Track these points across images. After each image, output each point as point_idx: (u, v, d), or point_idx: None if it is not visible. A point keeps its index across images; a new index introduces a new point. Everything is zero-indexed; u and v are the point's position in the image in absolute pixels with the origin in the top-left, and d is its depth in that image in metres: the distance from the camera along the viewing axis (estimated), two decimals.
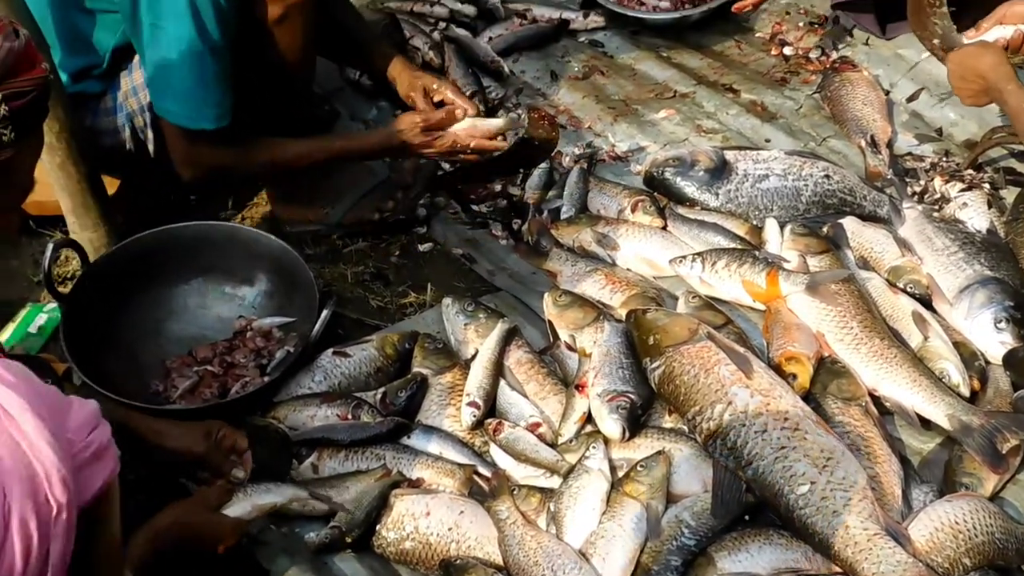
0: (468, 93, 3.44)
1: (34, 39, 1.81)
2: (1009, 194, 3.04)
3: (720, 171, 3.08)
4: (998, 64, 2.85)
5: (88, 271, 2.71)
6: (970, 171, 3.12)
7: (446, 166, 3.23)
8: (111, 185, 3.04)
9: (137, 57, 2.85)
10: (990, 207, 2.97)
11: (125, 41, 2.84)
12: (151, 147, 2.96)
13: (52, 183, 2.82)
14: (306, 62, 3.01)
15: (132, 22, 2.70)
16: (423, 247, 3.12)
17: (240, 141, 2.85)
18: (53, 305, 2.81)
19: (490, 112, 3.43)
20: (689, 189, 3.08)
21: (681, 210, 3.06)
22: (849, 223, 2.93)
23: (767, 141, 3.36)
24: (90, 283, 2.70)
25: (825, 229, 2.93)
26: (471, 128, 2.92)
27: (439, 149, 2.93)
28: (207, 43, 2.65)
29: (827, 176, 3.04)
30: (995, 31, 2.96)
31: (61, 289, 2.70)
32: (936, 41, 3.14)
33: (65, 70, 2.85)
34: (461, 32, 3.79)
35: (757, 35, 3.79)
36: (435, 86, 3.08)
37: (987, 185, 3.06)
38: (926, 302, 2.72)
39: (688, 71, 3.67)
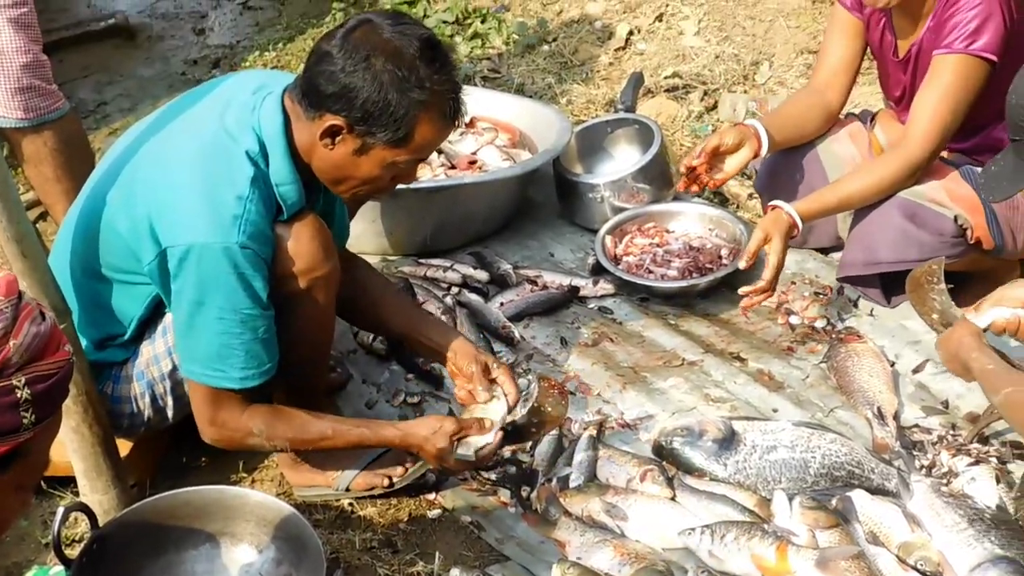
0: None
1: (58, 307, 1.84)
2: (1017, 468, 3.06)
3: (728, 441, 3.10)
4: (964, 336, 2.95)
5: (97, 535, 2.70)
6: (976, 445, 3.14)
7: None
8: (123, 447, 3.07)
9: (160, 325, 2.92)
10: (998, 482, 2.97)
11: (151, 313, 2.91)
12: (170, 413, 3.01)
13: (66, 445, 2.85)
14: (326, 332, 3.07)
15: (168, 294, 2.77)
16: (432, 513, 3.12)
17: (265, 411, 2.89)
18: (59, 568, 2.79)
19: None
20: (698, 459, 3.09)
21: (690, 480, 3.07)
22: (858, 496, 2.93)
23: (775, 411, 3.39)
24: (98, 547, 2.69)
25: (834, 502, 2.93)
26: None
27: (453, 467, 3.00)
28: (246, 311, 2.72)
29: (835, 448, 3.06)
30: (992, 312, 3.03)
31: (68, 552, 2.69)
32: (935, 316, 3.22)
33: (87, 338, 2.92)
34: (473, 297, 3.88)
35: (764, 304, 3.85)
36: (495, 365, 3.12)
37: (994, 459, 3.08)
38: None
39: (696, 339, 3.73)
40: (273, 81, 2.88)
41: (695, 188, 3.84)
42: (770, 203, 3.66)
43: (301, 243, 2.82)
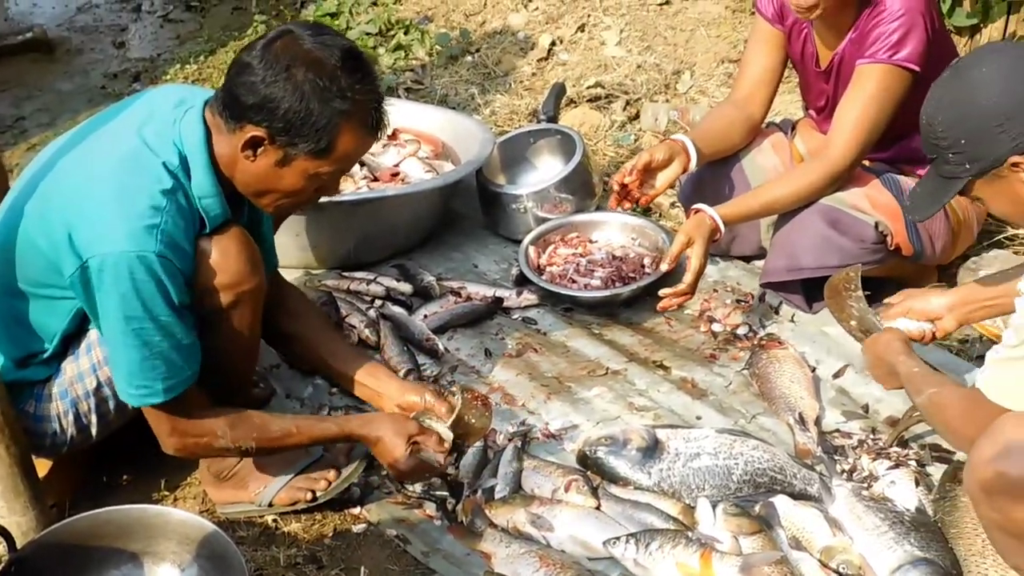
0: (403, 371, 3.51)
1: None
2: (936, 471, 3.10)
3: (652, 450, 3.12)
4: (890, 341, 2.99)
5: (15, 557, 2.65)
6: (896, 448, 3.17)
7: None
8: (42, 466, 3.02)
9: (84, 342, 2.88)
10: (917, 485, 3.02)
11: (75, 328, 2.87)
12: (94, 432, 2.97)
13: None
14: (252, 346, 3.05)
15: (92, 306, 2.74)
16: (357, 528, 3.10)
17: (225, 414, 2.89)
18: None
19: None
20: (622, 468, 3.11)
21: (614, 489, 3.09)
22: (780, 502, 2.96)
23: (698, 419, 3.40)
24: (17, 570, 2.63)
25: (757, 508, 2.96)
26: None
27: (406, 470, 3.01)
28: (164, 318, 2.69)
29: (757, 454, 3.08)
30: (899, 323, 3.12)
31: None
32: (854, 323, 3.26)
33: (7, 356, 2.88)
34: (397, 310, 3.87)
35: (686, 312, 3.88)
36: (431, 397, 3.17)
37: (914, 462, 3.12)
38: None
39: (620, 348, 3.74)
40: (194, 96, 2.86)
41: (627, 204, 3.84)
42: (693, 207, 3.68)
43: (226, 256, 2.80)
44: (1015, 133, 2.47)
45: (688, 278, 3.56)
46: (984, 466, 2.40)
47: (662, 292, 3.62)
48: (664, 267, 3.62)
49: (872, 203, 3.65)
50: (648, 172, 3.78)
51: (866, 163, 3.75)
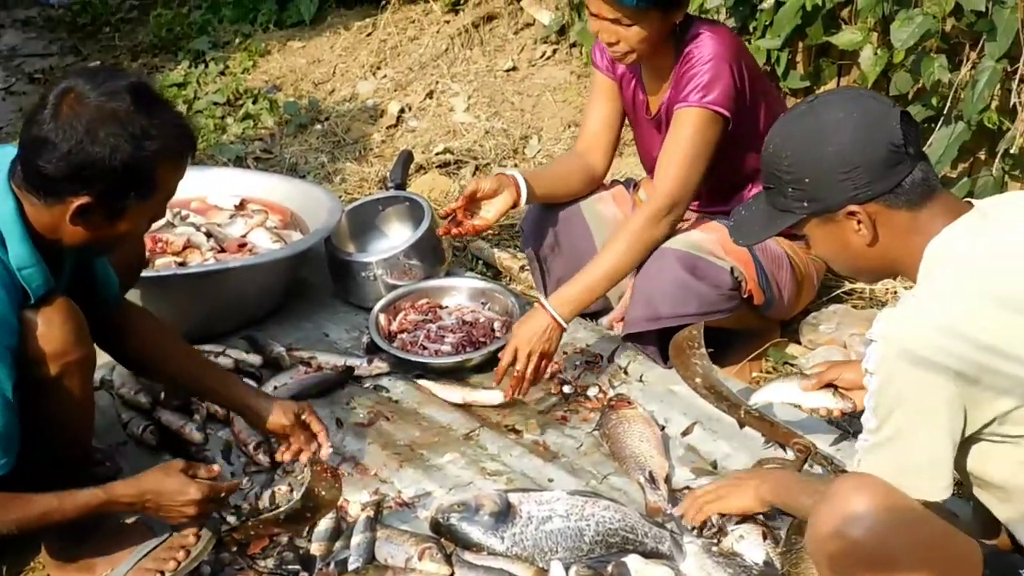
0: (252, 445, 3.46)
1: None
2: (783, 524, 3.14)
3: (505, 514, 3.11)
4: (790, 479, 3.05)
5: None
6: None
7: (231, 520, 3.20)
8: None
9: None
10: (765, 538, 3.05)
11: None
12: None
13: None
14: (84, 416, 2.99)
15: None
16: None
17: None
18: None
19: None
20: (475, 534, 3.09)
21: (468, 556, 3.07)
22: (632, 561, 2.97)
23: (550, 481, 3.41)
24: None
25: (610, 569, 2.96)
26: None
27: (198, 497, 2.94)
28: None
29: (609, 515, 3.10)
30: (824, 398, 3.16)
31: None
32: (699, 380, 3.32)
33: None
34: (246, 382, 3.81)
35: None
36: (300, 412, 3.28)
37: (761, 516, 3.16)
38: None
39: (471, 413, 3.74)
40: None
41: (456, 231, 3.86)
42: (538, 301, 3.74)
43: (52, 328, 2.75)
44: (858, 184, 2.47)
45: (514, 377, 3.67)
46: (828, 538, 2.42)
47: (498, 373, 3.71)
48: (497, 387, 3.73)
49: (725, 250, 3.73)
50: (475, 203, 3.84)
51: (709, 214, 3.84)
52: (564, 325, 3.66)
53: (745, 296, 3.79)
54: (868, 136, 2.49)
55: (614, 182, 4.20)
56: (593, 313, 4.17)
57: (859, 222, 2.51)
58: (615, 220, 4.02)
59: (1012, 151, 4.19)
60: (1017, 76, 4.17)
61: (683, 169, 3.65)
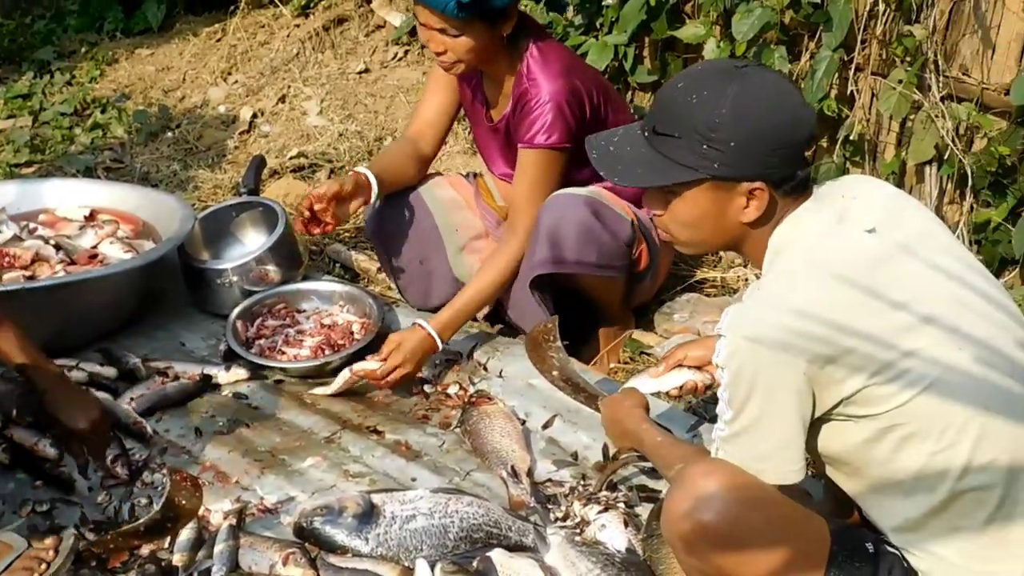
0: (110, 458, 3.40)
1: None
2: (644, 510, 3.20)
3: (368, 515, 3.11)
4: (632, 408, 3.06)
5: None
6: (605, 492, 3.26)
7: (89, 536, 3.15)
8: None
9: None
10: (627, 526, 3.10)
11: None
12: None
13: None
14: None
15: None
16: None
17: None
18: None
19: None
20: (339, 537, 3.08)
21: (333, 559, 3.06)
22: (497, 556, 2.99)
23: (413, 480, 3.42)
24: None
25: (475, 564, 2.98)
26: None
27: None
28: None
29: (472, 511, 3.12)
30: (677, 376, 3.16)
31: None
32: (555, 373, 3.36)
33: None
34: (102, 395, 3.74)
35: None
36: None
37: (623, 504, 3.20)
38: None
39: (332, 416, 3.73)
40: None
41: (315, 230, 3.88)
42: (416, 323, 3.78)
43: None
44: (779, 163, 2.45)
45: (382, 371, 3.71)
46: (681, 519, 2.47)
47: (357, 367, 3.75)
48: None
49: (624, 208, 3.86)
50: (339, 202, 3.86)
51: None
52: (440, 346, 3.76)
53: (635, 256, 3.89)
54: (798, 119, 2.49)
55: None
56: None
57: (751, 200, 2.49)
58: (453, 202, 4.17)
59: (851, 138, 4.32)
60: (853, 65, 4.30)
61: (535, 204, 3.80)
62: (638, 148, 2.56)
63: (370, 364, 3.71)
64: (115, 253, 4.28)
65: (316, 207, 3.81)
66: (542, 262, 3.81)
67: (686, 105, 2.46)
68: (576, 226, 3.75)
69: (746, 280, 4.42)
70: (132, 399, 3.77)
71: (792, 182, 2.50)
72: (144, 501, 3.27)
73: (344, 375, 3.77)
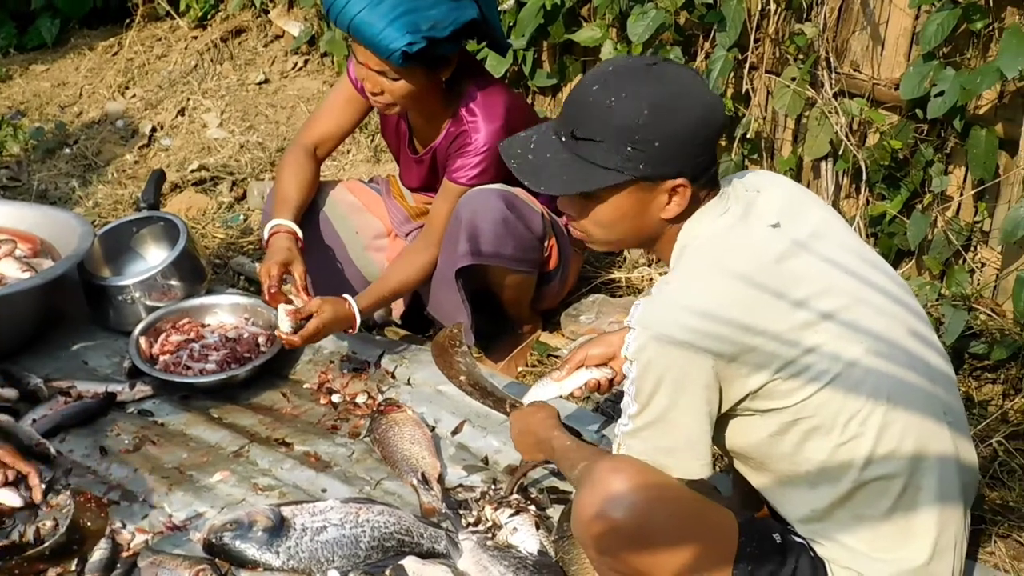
0: (11, 481, 3.35)
1: None
2: (555, 512, 3.22)
3: (279, 529, 3.09)
4: (545, 418, 3.06)
5: None
6: (516, 496, 3.27)
7: None
8: None
9: None
10: (538, 528, 3.12)
11: None
12: None
13: None
14: None
15: None
16: None
17: None
18: None
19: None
20: (250, 551, 3.06)
21: (244, 574, 3.04)
22: (409, 563, 3.00)
23: (324, 491, 3.40)
24: None
25: (387, 573, 2.98)
26: None
27: None
28: None
29: (383, 519, 3.12)
30: (583, 375, 3.13)
31: None
32: (463, 378, 3.36)
33: None
34: (3, 417, 3.68)
35: (305, 386, 3.90)
36: None
37: (534, 507, 3.22)
38: None
39: (240, 430, 3.70)
40: None
41: (283, 299, 3.80)
42: (343, 296, 3.76)
43: None
44: (701, 160, 2.47)
45: (302, 335, 3.67)
46: (591, 520, 2.50)
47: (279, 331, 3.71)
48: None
49: (533, 202, 3.88)
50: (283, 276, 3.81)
51: None
52: (358, 317, 3.77)
53: (546, 253, 3.93)
54: (712, 108, 2.50)
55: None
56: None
57: (672, 196, 2.50)
58: (351, 206, 4.20)
59: (749, 136, 4.39)
60: (748, 64, 4.36)
61: None
62: (558, 154, 2.53)
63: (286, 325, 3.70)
64: (12, 272, 4.20)
65: (272, 291, 3.74)
66: (463, 255, 3.81)
67: (605, 108, 2.44)
68: (491, 221, 3.76)
69: (651, 280, 4.46)
70: (34, 420, 3.70)
71: (708, 175, 2.53)
72: (49, 524, 3.21)
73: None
